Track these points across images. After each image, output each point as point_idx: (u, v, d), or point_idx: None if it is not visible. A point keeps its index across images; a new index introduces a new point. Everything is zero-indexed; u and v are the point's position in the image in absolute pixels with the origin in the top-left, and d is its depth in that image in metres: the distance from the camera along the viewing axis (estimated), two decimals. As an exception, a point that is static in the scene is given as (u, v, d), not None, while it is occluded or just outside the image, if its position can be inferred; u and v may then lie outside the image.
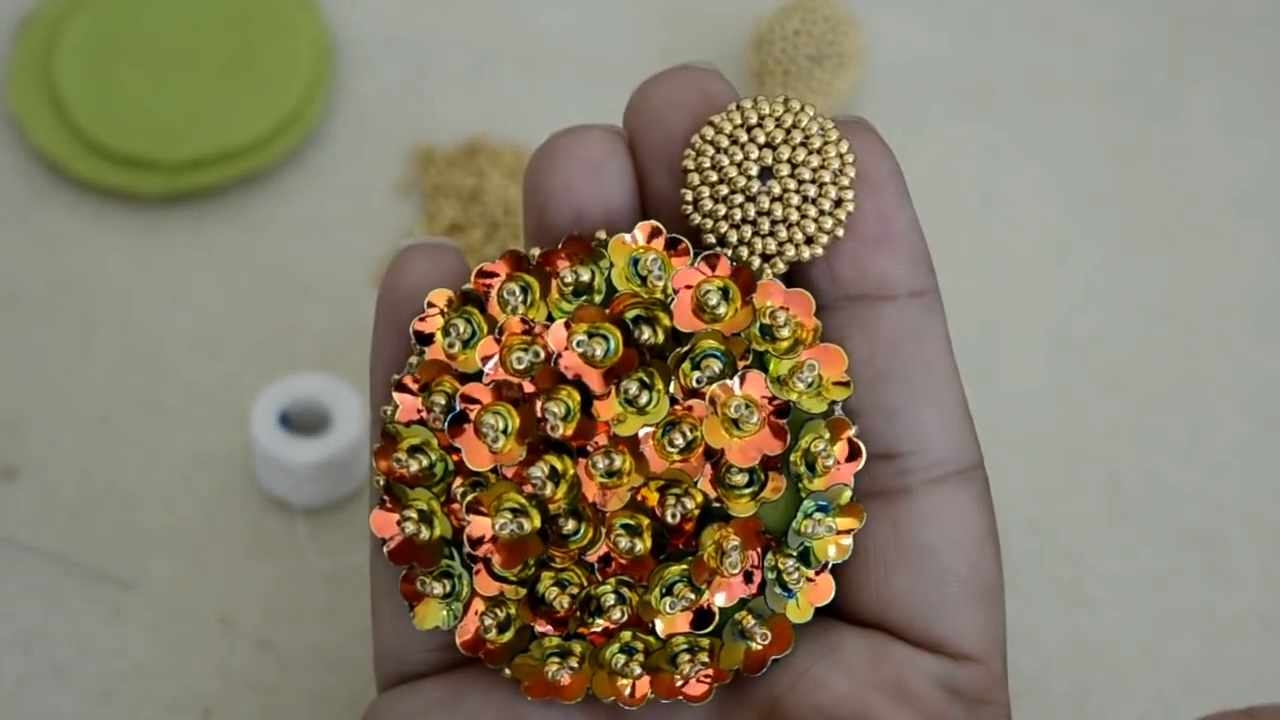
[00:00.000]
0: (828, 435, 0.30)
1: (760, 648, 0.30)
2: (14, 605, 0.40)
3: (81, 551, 0.41)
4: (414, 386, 0.30)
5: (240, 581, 0.40)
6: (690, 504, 0.30)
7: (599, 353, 0.29)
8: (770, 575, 0.30)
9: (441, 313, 0.30)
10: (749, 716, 0.31)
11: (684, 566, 0.30)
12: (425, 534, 0.30)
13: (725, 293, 0.30)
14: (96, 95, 0.46)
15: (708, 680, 0.30)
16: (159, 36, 0.47)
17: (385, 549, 0.31)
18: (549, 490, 0.29)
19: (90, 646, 0.39)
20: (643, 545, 0.30)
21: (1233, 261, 0.47)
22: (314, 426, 0.41)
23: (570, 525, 0.30)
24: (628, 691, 0.30)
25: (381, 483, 0.31)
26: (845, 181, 0.30)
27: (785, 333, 0.30)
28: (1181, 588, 0.42)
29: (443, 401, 0.30)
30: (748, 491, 0.30)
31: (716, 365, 0.29)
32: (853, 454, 0.30)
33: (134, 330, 0.44)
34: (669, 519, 0.29)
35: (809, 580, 0.30)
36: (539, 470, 0.29)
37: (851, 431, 0.30)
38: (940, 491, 0.31)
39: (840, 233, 0.30)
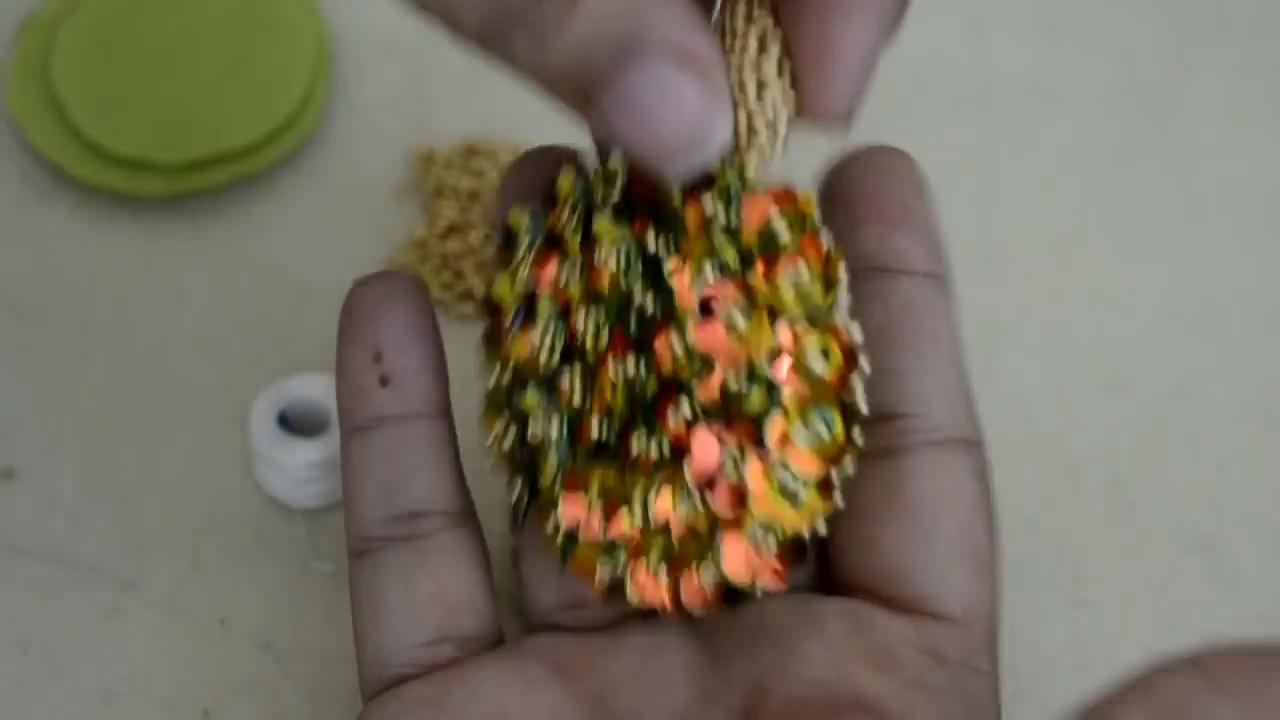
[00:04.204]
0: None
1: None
2: (13, 606, 0.40)
3: (80, 552, 0.41)
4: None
5: (239, 582, 0.40)
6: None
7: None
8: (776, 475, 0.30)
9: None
10: (734, 695, 0.31)
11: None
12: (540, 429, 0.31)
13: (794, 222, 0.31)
14: (95, 97, 0.46)
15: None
16: (158, 38, 0.47)
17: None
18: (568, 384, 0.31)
19: (89, 647, 0.39)
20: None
21: (1233, 261, 0.47)
22: (313, 427, 0.41)
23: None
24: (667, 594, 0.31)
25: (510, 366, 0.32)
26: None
27: (786, 237, 0.30)
28: (1182, 590, 0.42)
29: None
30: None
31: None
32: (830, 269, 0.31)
33: (133, 331, 0.44)
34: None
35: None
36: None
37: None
38: (937, 452, 0.32)
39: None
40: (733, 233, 0.30)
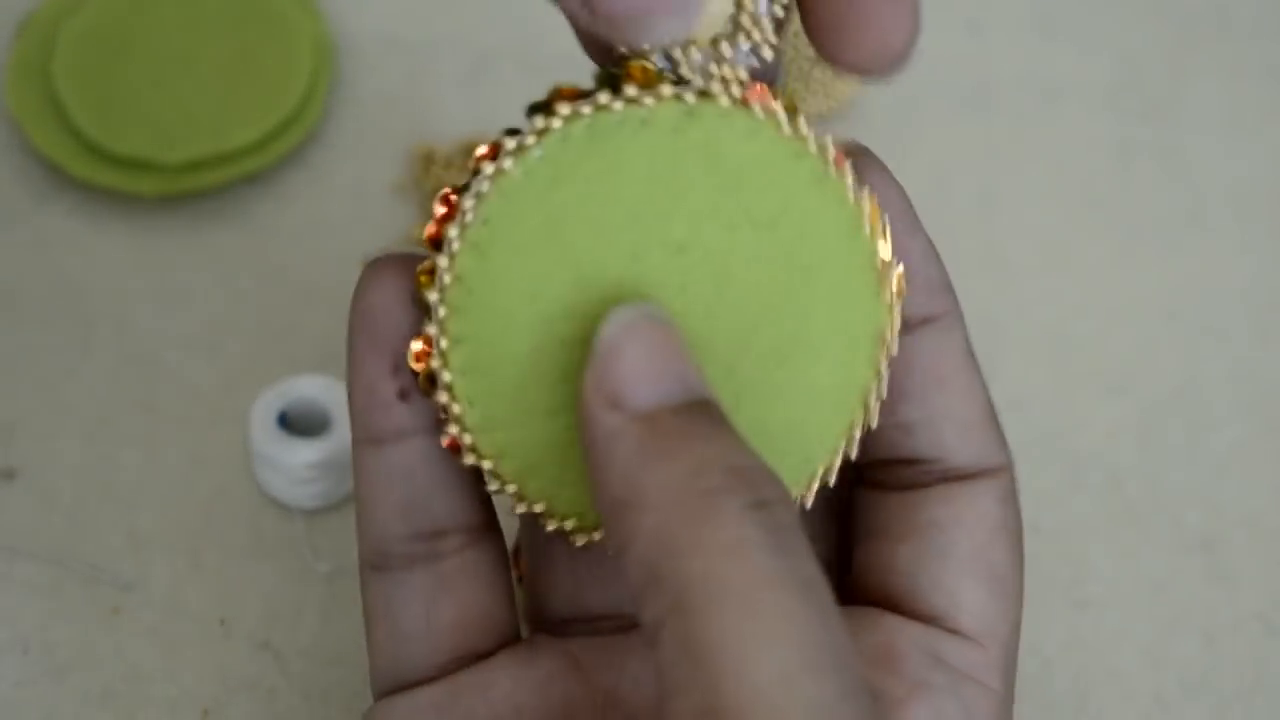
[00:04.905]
0: None
1: None
2: (13, 607, 0.40)
3: (80, 553, 0.41)
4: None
5: (239, 582, 0.40)
6: None
7: None
8: None
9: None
10: None
11: None
12: None
13: None
14: (95, 96, 0.46)
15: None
16: (158, 37, 0.47)
17: None
18: None
19: (89, 648, 0.39)
20: None
21: (1233, 261, 0.47)
22: (313, 427, 0.41)
23: None
24: None
25: None
26: None
27: None
28: (1182, 589, 0.42)
29: None
30: None
31: None
32: None
33: (133, 331, 0.44)
34: None
35: None
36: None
37: None
38: (957, 484, 0.32)
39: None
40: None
